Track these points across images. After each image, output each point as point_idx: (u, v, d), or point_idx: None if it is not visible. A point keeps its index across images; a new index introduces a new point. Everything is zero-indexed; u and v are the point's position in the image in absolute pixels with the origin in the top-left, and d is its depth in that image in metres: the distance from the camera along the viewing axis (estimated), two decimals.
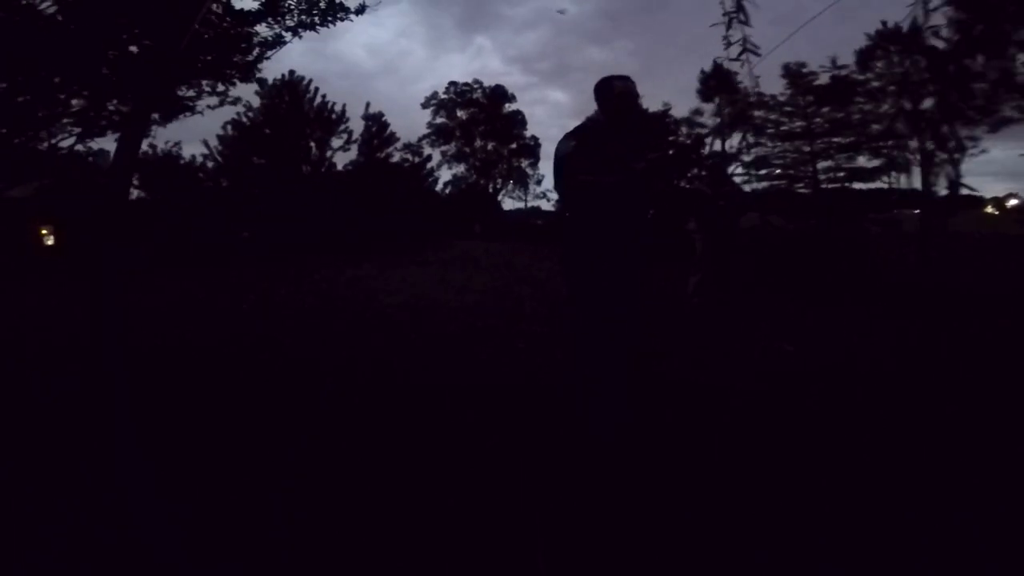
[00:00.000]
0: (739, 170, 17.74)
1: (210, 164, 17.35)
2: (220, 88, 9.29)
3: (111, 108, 7.94)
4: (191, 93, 9.05)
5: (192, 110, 9.38)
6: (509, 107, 31.70)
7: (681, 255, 6.81)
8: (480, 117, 31.35)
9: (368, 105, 21.10)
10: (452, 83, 31.42)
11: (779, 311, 6.01)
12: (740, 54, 2.17)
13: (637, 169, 2.33)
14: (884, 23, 15.43)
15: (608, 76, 2.51)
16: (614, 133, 2.48)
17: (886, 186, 17.13)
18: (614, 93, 2.46)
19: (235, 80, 8.84)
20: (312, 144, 19.00)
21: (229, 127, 18.99)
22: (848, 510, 1.84)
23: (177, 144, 15.66)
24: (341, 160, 19.91)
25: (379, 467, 2.08)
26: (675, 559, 1.58)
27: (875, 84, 16.30)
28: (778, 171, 18.00)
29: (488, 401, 2.82)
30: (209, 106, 9.54)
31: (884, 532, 1.74)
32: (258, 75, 8.82)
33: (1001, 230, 19.75)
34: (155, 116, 9.18)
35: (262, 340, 4.24)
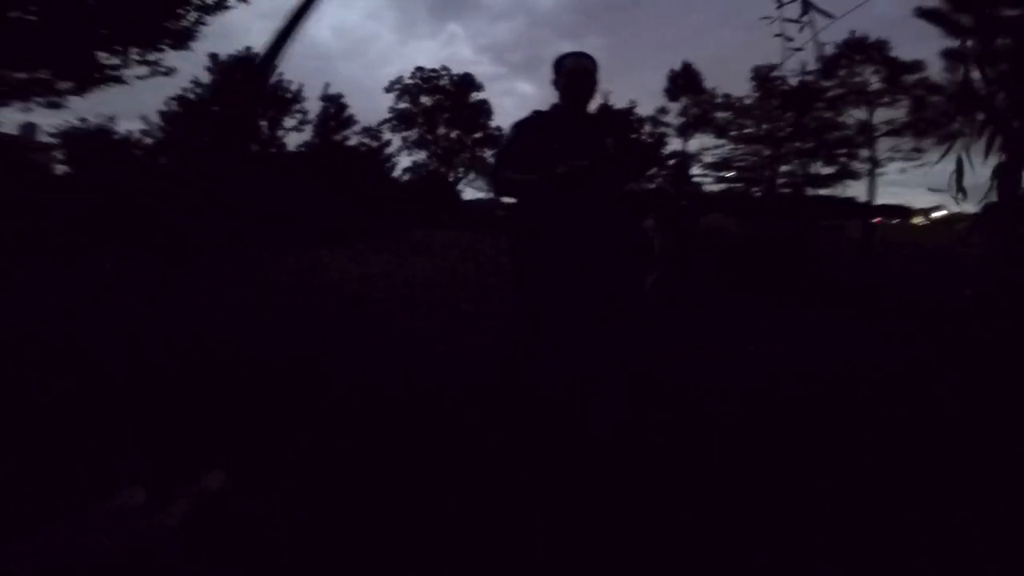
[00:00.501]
0: (699, 170, 18.00)
1: (148, 140, 16.22)
2: (151, 56, 8.47)
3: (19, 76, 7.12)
4: (115, 61, 8.21)
5: (117, 80, 8.55)
6: (476, 96, 31.05)
7: (640, 253, 6.73)
8: (446, 104, 30.59)
9: (327, 86, 20.35)
10: (419, 68, 30.44)
11: (741, 310, 6.04)
12: (803, 14, 1.83)
13: (558, 174, 2.03)
14: (853, 32, 15.82)
15: (563, 53, 2.24)
16: (570, 117, 2.20)
17: (837, 193, 17.66)
18: (563, 71, 2.19)
19: (165, 47, 8.06)
20: (264, 123, 18.06)
21: (174, 103, 17.91)
22: (848, 510, 1.87)
23: (111, 119, 14.49)
24: (294, 141, 19.04)
25: (379, 467, 2.09)
26: (675, 559, 1.59)
27: (838, 92, 16.75)
28: (734, 173, 18.34)
29: (484, 402, 2.76)
30: (138, 76, 8.73)
31: (884, 532, 1.77)
32: (194, 41, 8.04)
33: (928, 240, 20.51)
34: (70, 85, 8.32)
35: (242, 338, 4.01)
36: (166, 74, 8.71)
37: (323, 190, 15.43)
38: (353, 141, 20.15)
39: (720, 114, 16.46)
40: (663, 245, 6.01)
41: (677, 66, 19.37)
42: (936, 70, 14.82)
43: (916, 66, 15.06)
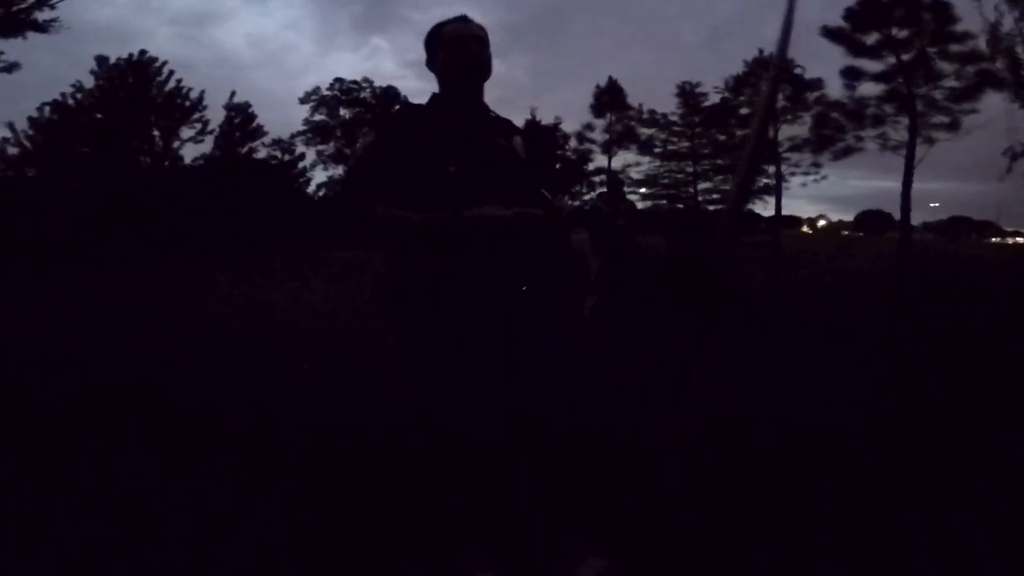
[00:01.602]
0: (627, 188, 18.20)
1: (13, 151, 14.11)
2: None
3: None
4: None
5: None
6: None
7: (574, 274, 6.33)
8: (366, 118, 29.31)
9: (233, 94, 18.59)
10: (338, 79, 29.06)
11: (674, 334, 5.86)
12: None
13: (467, 217, 1.30)
14: (760, 51, 16.60)
15: (439, 22, 1.54)
16: (459, 110, 1.49)
17: (754, 208, 18.46)
18: (444, 40, 1.48)
19: None
20: (156, 133, 16.27)
21: (47, 108, 15.77)
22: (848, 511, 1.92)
23: None
24: (193, 153, 17.34)
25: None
26: None
27: (745, 110, 17.51)
28: (662, 191, 18.74)
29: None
30: None
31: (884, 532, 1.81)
32: (47, 28, 6.72)
33: (814, 248, 21.99)
34: None
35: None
36: (8, 71, 7.31)
37: (230, 208, 14.02)
38: (262, 154, 18.63)
39: (644, 130, 16.70)
40: (600, 268, 5.59)
41: (595, 84, 19.61)
42: (833, 88, 15.76)
43: (817, 84, 15.97)
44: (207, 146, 17.64)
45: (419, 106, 1.53)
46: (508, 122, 1.58)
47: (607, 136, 17.90)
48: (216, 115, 18.02)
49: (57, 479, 2.04)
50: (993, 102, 14.83)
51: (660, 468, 2.38)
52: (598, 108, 18.22)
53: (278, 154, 19.91)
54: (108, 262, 10.40)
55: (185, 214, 13.13)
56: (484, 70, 1.50)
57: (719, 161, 16.69)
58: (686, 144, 16.68)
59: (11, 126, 14.84)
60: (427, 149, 1.38)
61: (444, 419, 1.43)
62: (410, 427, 1.59)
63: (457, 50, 1.45)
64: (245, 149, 17.70)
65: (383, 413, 2.84)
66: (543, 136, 17.33)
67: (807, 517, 1.88)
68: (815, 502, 2.00)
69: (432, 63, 1.53)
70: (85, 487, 2.00)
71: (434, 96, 1.53)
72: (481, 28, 1.51)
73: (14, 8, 6.32)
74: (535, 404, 1.49)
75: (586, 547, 1.53)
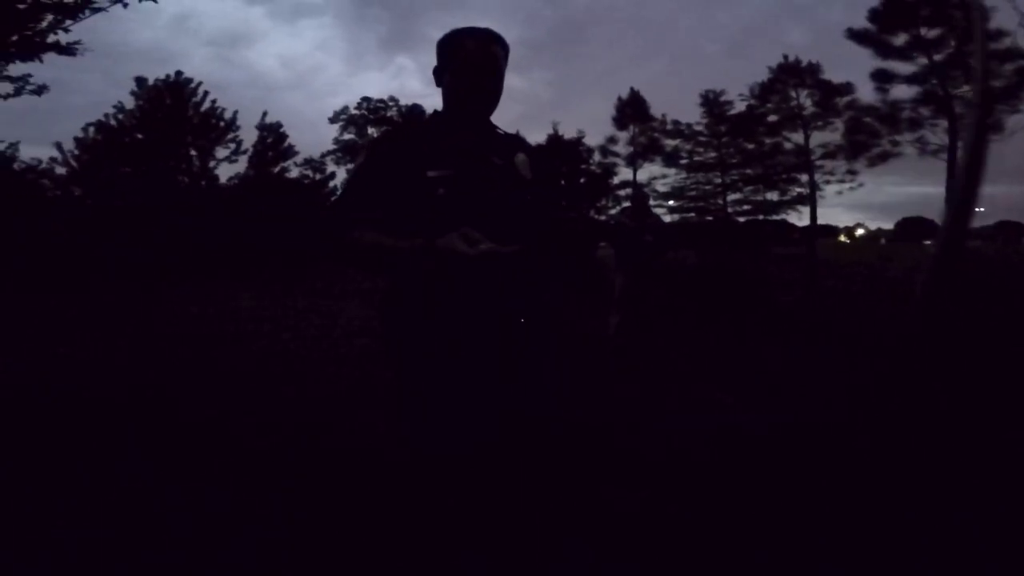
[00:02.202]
0: (653, 201, 17.94)
1: (61, 170, 14.75)
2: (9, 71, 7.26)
3: None
4: None
5: None
6: None
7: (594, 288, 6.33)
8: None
9: (265, 114, 19.14)
10: (365, 98, 29.78)
11: (703, 351, 5.76)
12: None
13: (437, 248, 1.20)
14: (785, 56, 16.23)
15: (456, 29, 1.41)
16: (463, 130, 1.43)
17: (788, 218, 17.96)
18: (461, 57, 1.37)
19: (13, 58, 6.89)
20: (193, 153, 16.83)
21: (91, 129, 16.48)
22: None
23: (13, 144, 12.97)
24: (227, 172, 17.89)
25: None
26: None
27: (773, 118, 17.05)
28: (689, 203, 18.40)
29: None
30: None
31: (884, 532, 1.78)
32: (73, 51, 6.93)
33: (855, 257, 21.29)
34: None
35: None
36: (37, 93, 7.60)
37: (264, 226, 14.35)
38: (294, 173, 19.09)
39: (669, 141, 16.51)
40: (624, 285, 5.52)
41: (616, 96, 19.47)
42: (863, 92, 15.18)
43: (847, 88, 15.44)
44: (241, 165, 18.19)
45: (416, 124, 1.52)
46: (514, 139, 1.55)
47: (631, 149, 17.75)
48: (249, 135, 18.49)
49: (56, 481, 2.06)
50: None
51: (663, 470, 2.38)
52: (620, 120, 18.05)
53: (310, 173, 20.40)
54: (148, 278, 10.82)
55: (224, 232, 13.51)
56: (495, 100, 1.44)
57: (748, 171, 16.34)
58: (713, 154, 16.40)
59: (59, 146, 15.54)
60: (418, 168, 1.35)
61: (441, 421, 1.42)
62: (406, 429, 1.58)
63: (472, 76, 1.38)
64: (277, 169, 18.19)
65: (383, 416, 2.89)
66: (566, 151, 17.27)
67: (806, 518, 1.90)
68: (815, 504, 2.01)
69: (440, 75, 1.43)
70: (83, 489, 2.02)
71: (435, 114, 1.49)
72: (504, 50, 1.43)
73: (28, 32, 6.58)
74: (533, 406, 1.50)
75: (585, 547, 1.56)
